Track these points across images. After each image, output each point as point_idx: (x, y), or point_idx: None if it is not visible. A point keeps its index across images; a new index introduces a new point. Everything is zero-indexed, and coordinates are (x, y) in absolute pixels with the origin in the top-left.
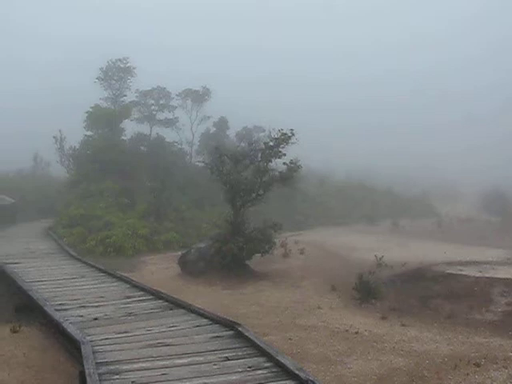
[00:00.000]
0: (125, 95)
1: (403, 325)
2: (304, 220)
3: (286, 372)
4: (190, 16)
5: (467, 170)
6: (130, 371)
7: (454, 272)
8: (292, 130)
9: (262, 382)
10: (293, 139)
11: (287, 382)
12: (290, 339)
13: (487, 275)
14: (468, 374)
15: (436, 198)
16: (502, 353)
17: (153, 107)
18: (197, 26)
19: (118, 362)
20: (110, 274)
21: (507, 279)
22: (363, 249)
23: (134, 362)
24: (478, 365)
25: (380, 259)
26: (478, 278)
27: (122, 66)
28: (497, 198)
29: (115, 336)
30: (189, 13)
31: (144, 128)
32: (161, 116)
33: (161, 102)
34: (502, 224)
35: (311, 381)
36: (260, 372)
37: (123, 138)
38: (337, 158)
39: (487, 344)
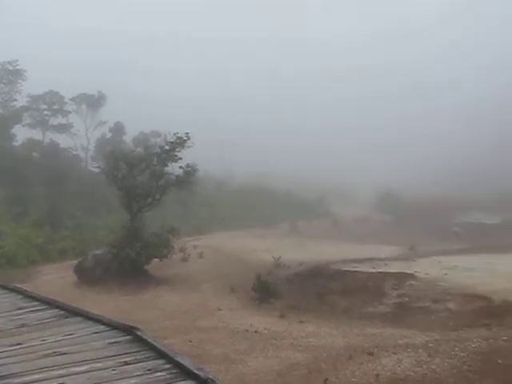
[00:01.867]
0: (15, 99)
1: (301, 321)
2: (203, 224)
3: (186, 372)
4: None
5: (363, 170)
6: None
7: (349, 269)
8: (187, 133)
9: (162, 383)
10: (188, 143)
11: (187, 382)
12: (190, 341)
13: (380, 270)
14: (362, 363)
15: (333, 198)
16: (393, 341)
17: (45, 112)
18: None
19: (12, 375)
20: (0, 286)
21: (398, 273)
22: (262, 251)
23: (29, 374)
24: (371, 354)
25: (278, 260)
26: (371, 273)
27: (10, 68)
28: (390, 197)
29: (8, 349)
30: None
31: (36, 134)
32: (54, 121)
33: (54, 107)
34: (395, 222)
35: (211, 379)
36: (159, 374)
37: (14, 143)
38: (237, 160)
39: (380, 334)
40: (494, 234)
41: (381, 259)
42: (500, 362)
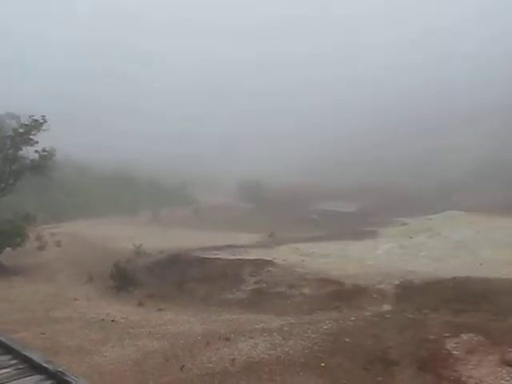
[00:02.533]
0: None
1: (160, 309)
2: (63, 211)
3: (34, 366)
4: None
5: (229, 159)
6: None
7: (209, 256)
8: (44, 116)
9: (5, 381)
10: (45, 126)
11: (35, 376)
12: (42, 334)
13: (239, 257)
14: (219, 349)
15: (197, 186)
16: (250, 326)
17: None
18: None
19: None
20: None
21: (257, 260)
22: (123, 239)
23: None
24: (228, 339)
25: (138, 247)
26: (231, 260)
27: None
28: (252, 185)
29: None
30: None
31: None
32: None
33: None
34: (257, 210)
35: (60, 371)
36: (5, 371)
37: None
38: (100, 145)
39: (237, 320)
40: (349, 222)
41: (241, 246)
42: (347, 340)
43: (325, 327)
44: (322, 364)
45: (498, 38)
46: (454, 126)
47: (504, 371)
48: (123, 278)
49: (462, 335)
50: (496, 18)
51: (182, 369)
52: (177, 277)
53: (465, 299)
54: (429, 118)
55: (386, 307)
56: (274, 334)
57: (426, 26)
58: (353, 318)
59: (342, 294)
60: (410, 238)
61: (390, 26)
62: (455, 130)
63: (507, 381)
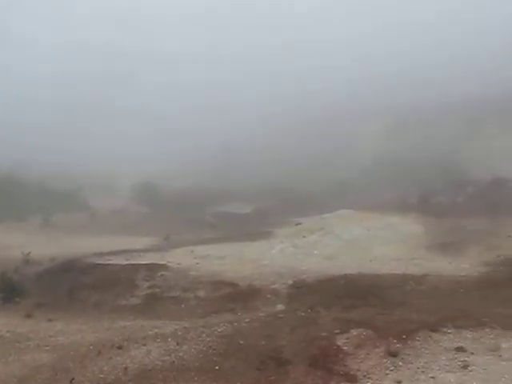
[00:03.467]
0: None
1: (50, 320)
2: None
3: None
4: None
5: (125, 160)
6: None
7: (102, 262)
8: None
9: None
10: None
11: None
12: None
13: (133, 262)
14: (111, 358)
15: (92, 189)
16: (143, 333)
17: None
18: None
19: None
20: None
21: (151, 264)
22: (10, 247)
23: None
24: (120, 347)
25: (27, 255)
26: (124, 265)
27: None
28: (148, 188)
29: None
30: None
31: None
32: None
33: None
34: (153, 213)
35: None
36: None
37: None
38: None
39: (130, 327)
40: (246, 223)
41: (135, 251)
42: (241, 342)
43: (219, 330)
44: (217, 367)
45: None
46: (351, 127)
47: (388, 362)
48: (10, 289)
49: (352, 331)
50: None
51: (71, 382)
52: (68, 284)
53: (355, 295)
54: (325, 120)
55: (280, 307)
56: (168, 339)
57: None
58: (247, 320)
59: (236, 295)
60: (304, 237)
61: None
62: (351, 131)
63: (391, 370)
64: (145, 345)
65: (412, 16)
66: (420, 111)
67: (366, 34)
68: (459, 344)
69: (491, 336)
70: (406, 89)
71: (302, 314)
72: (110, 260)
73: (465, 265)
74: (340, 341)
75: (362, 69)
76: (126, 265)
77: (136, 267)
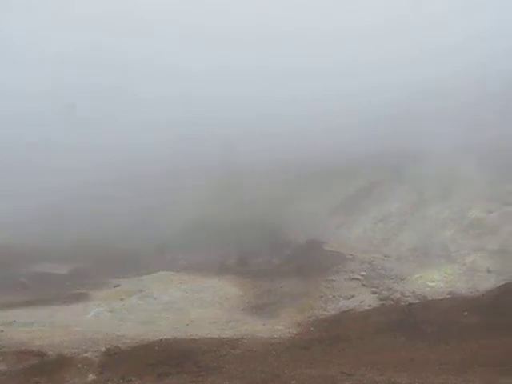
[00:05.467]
0: None
1: None
2: None
3: None
4: None
5: None
6: None
7: None
8: None
9: None
10: None
11: None
12: None
13: None
14: None
15: None
16: None
17: None
18: None
19: None
20: None
21: None
22: None
23: None
24: None
25: None
26: None
27: None
28: None
29: None
30: None
31: None
32: None
33: None
34: None
35: None
36: None
37: None
38: None
39: None
40: (61, 284)
41: None
42: None
43: None
44: None
45: None
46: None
47: None
48: None
49: None
50: None
51: None
52: None
53: (170, 362)
54: (148, 177)
55: (92, 377)
56: None
57: None
58: None
59: (43, 366)
60: (121, 300)
61: None
62: (175, 189)
63: None
64: None
65: None
66: (241, 173)
67: None
68: None
69: None
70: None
71: None
72: None
73: (278, 326)
74: None
75: None
76: None
77: None
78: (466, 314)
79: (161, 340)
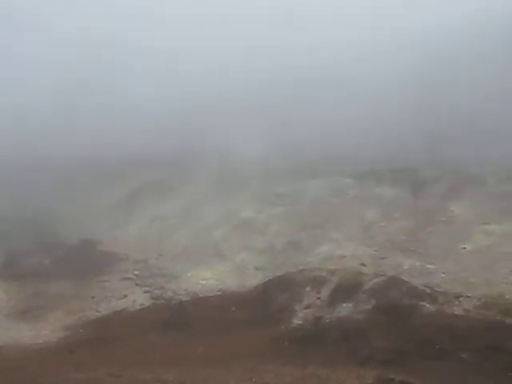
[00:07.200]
0: None
1: None
2: None
3: None
4: None
5: None
6: None
7: None
8: None
9: None
10: None
11: None
12: None
13: None
14: None
15: None
16: None
17: None
18: None
19: None
20: None
21: None
22: None
23: None
24: None
25: None
26: None
27: None
28: None
29: None
30: None
31: None
32: None
33: None
34: None
35: None
36: None
37: None
38: None
39: None
40: None
41: None
42: None
43: None
44: None
45: None
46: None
47: None
48: None
49: None
50: None
51: None
52: None
53: None
54: None
55: None
56: None
57: None
58: None
59: None
60: None
61: None
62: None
63: None
64: None
65: None
66: (8, 169)
67: None
68: None
69: None
70: None
71: None
72: None
73: (45, 331)
74: None
75: None
76: None
77: None
78: (233, 309)
79: None
